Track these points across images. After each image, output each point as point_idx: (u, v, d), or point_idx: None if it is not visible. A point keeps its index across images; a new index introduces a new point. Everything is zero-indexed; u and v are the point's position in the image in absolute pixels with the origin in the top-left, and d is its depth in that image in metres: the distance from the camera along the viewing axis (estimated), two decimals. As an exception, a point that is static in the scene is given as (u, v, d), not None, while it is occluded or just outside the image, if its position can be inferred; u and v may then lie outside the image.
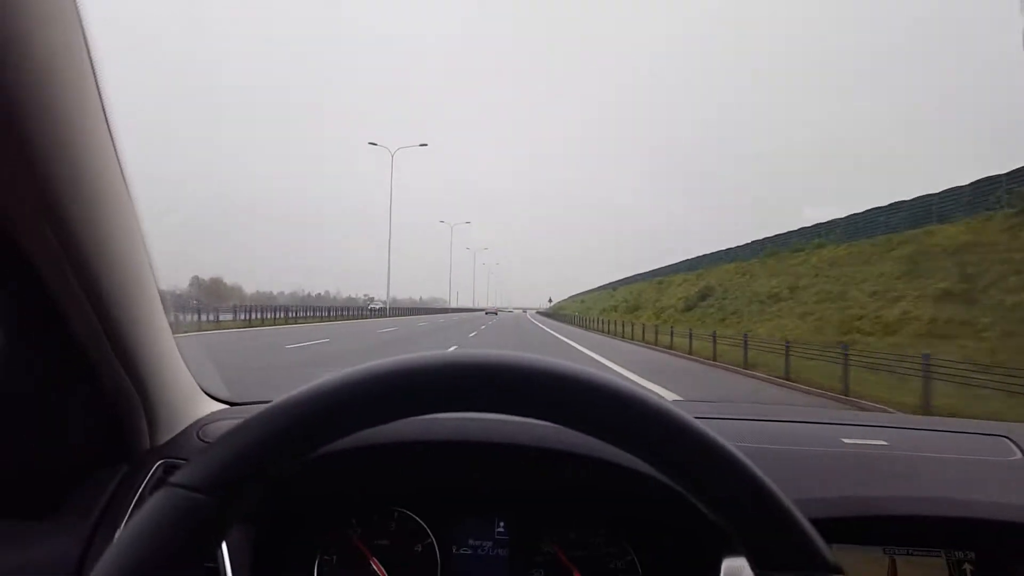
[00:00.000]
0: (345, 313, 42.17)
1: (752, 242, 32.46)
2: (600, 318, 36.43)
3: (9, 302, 0.66)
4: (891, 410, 7.67)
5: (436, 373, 0.43)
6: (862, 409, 8.04)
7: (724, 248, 36.33)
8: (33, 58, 0.50)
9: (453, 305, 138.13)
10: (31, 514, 0.75)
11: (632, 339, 22.72)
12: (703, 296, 29.66)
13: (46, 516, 0.76)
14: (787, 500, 0.41)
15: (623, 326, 26.11)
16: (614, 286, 66.58)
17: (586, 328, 34.77)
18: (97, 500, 0.79)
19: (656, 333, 20.50)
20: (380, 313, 47.11)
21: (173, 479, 0.40)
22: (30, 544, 0.73)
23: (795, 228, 29.01)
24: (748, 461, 0.42)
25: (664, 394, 8.40)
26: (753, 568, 0.40)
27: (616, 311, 42.41)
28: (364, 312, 46.08)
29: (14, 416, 0.72)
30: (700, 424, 0.42)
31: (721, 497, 0.41)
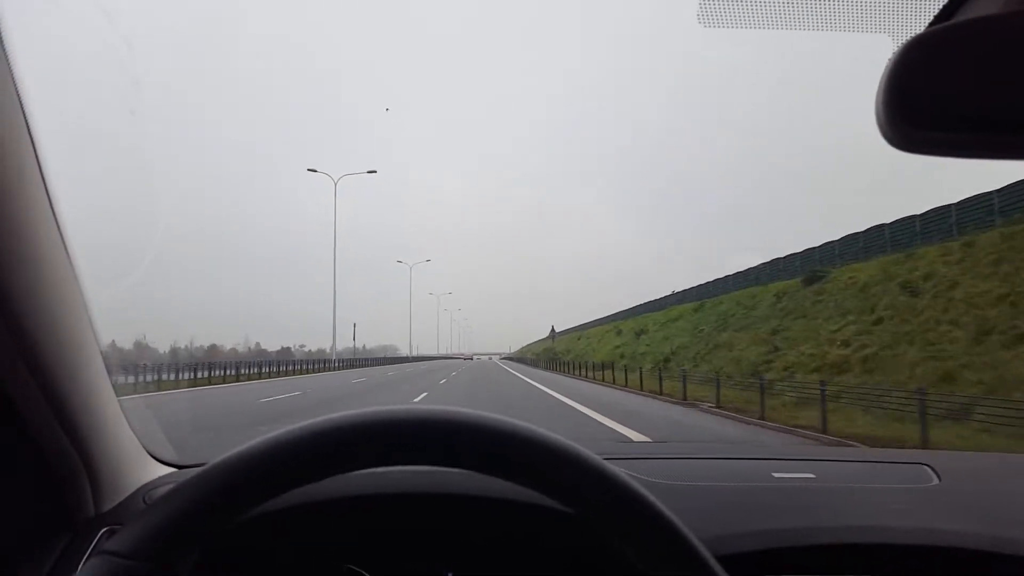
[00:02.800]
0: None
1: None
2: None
3: None
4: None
5: (363, 430, 0.44)
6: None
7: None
8: None
9: (409, 353, 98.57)
10: None
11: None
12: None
13: None
14: (680, 523, 0.44)
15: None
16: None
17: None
18: (40, 571, 0.76)
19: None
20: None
21: (106, 547, 0.41)
22: None
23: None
24: (645, 492, 0.45)
25: (630, 434, 8.28)
26: None
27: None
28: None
29: None
30: (610, 467, 0.46)
31: (627, 532, 0.44)
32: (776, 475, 0.99)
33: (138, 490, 0.90)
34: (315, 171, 40.65)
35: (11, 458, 0.72)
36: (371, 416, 0.45)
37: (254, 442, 0.44)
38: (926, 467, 1.01)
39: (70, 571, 0.76)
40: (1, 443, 0.71)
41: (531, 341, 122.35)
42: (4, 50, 0.55)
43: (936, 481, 0.97)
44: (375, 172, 43.58)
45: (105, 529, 0.81)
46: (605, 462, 0.45)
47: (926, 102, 0.46)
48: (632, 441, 6.69)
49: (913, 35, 0.46)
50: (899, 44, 0.46)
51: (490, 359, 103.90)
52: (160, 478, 0.95)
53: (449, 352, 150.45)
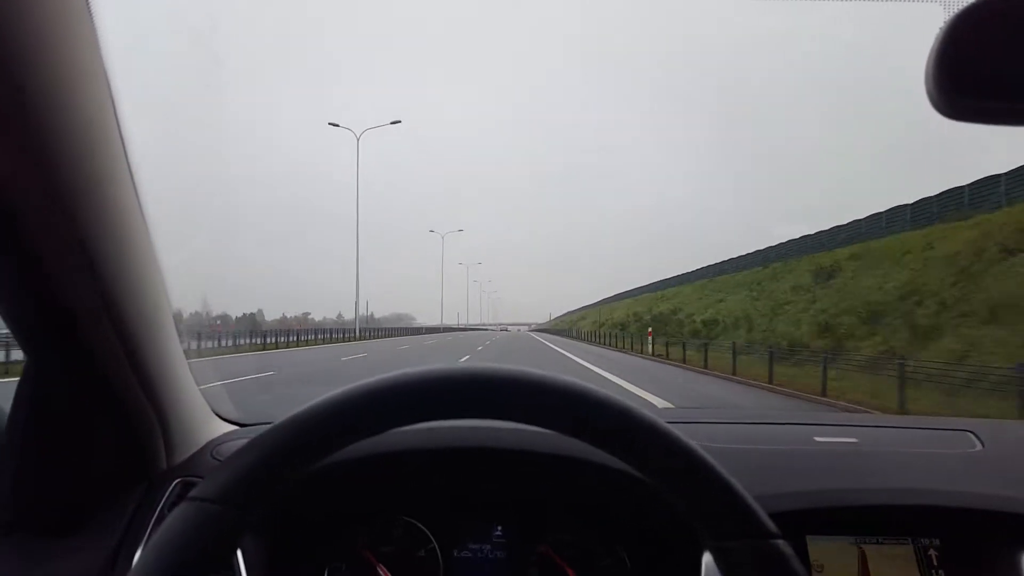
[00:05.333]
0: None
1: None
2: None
3: (40, 330, 0.71)
4: (864, 410, 7.81)
5: (425, 386, 0.47)
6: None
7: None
8: (48, 64, 0.52)
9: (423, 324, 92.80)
10: (56, 531, 0.79)
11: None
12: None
13: (70, 533, 0.80)
14: (731, 477, 0.46)
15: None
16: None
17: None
18: (119, 517, 0.83)
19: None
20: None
21: (192, 493, 0.45)
22: (55, 561, 0.77)
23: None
24: (695, 445, 0.47)
25: (656, 402, 8.35)
26: (706, 540, 0.45)
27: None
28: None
29: (42, 437, 0.76)
30: (656, 418, 0.48)
31: (672, 479, 0.46)
32: (818, 439, 0.99)
33: (206, 445, 0.97)
34: (336, 125, 38.38)
35: (97, 413, 0.79)
36: (431, 373, 0.48)
37: (321, 399, 0.47)
38: (969, 433, 1.01)
39: (148, 516, 0.83)
40: (89, 400, 0.77)
41: (574, 308, 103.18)
42: (92, 20, 0.58)
43: (980, 447, 0.97)
44: (399, 122, 40.64)
45: (178, 480, 0.87)
46: (664, 423, 0.47)
47: (976, 70, 0.46)
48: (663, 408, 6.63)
49: (964, 5, 0.46)
50: (951, 13, 0.46)
51: (519, 331, 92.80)
52: (225, 435, 1.02)
53: (465, 323, 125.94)
